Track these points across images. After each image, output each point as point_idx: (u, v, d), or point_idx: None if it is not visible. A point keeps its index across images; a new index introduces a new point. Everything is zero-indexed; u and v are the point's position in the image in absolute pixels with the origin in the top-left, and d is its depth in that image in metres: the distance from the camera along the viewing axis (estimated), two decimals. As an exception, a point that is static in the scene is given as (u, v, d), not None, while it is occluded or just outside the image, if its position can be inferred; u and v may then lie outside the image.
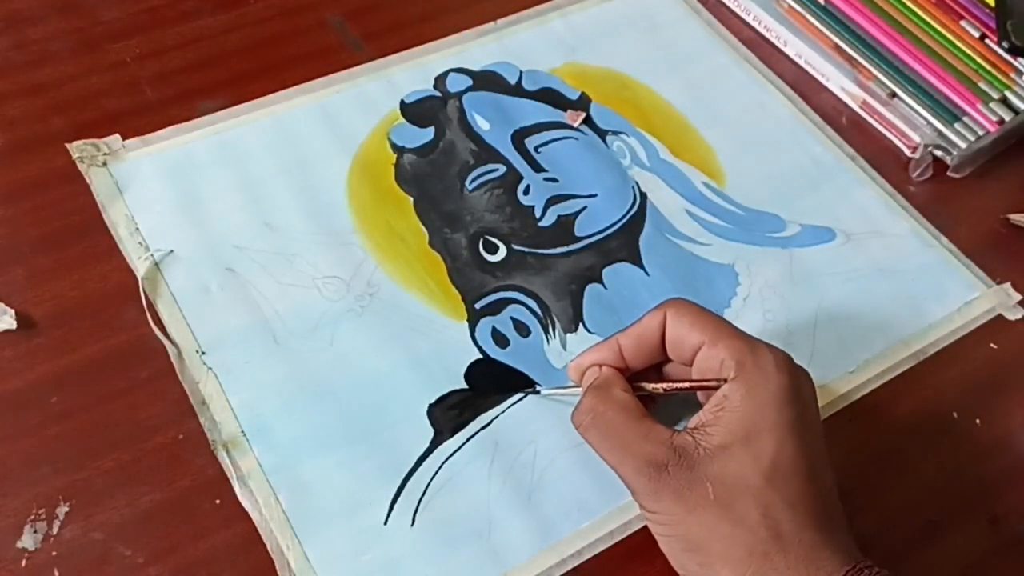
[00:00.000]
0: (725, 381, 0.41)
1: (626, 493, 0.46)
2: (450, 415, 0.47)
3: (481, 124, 0.59)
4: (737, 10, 0.70)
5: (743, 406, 0.40)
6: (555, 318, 0.52)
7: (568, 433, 0.47)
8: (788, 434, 0.40)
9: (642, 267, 0.55)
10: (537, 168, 0.57)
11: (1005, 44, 0.66)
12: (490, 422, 0.47)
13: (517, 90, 0.61)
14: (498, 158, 0.57)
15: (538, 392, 0.48)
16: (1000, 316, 0.56)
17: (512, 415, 0.48)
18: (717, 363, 0.42)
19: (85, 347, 0.47)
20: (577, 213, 0.56)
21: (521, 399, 0.48)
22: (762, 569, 0.38)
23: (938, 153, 0.62)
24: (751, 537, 0.39)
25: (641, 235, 0.56)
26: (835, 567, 0.38)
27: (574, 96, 0.62)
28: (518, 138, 0.58)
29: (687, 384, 0.43)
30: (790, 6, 0.68)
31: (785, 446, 0.40)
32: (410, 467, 0.45)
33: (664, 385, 0.44)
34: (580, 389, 0.45)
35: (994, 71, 0.65)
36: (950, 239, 0.59)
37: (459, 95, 0.60)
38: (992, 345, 0.55)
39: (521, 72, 0.62)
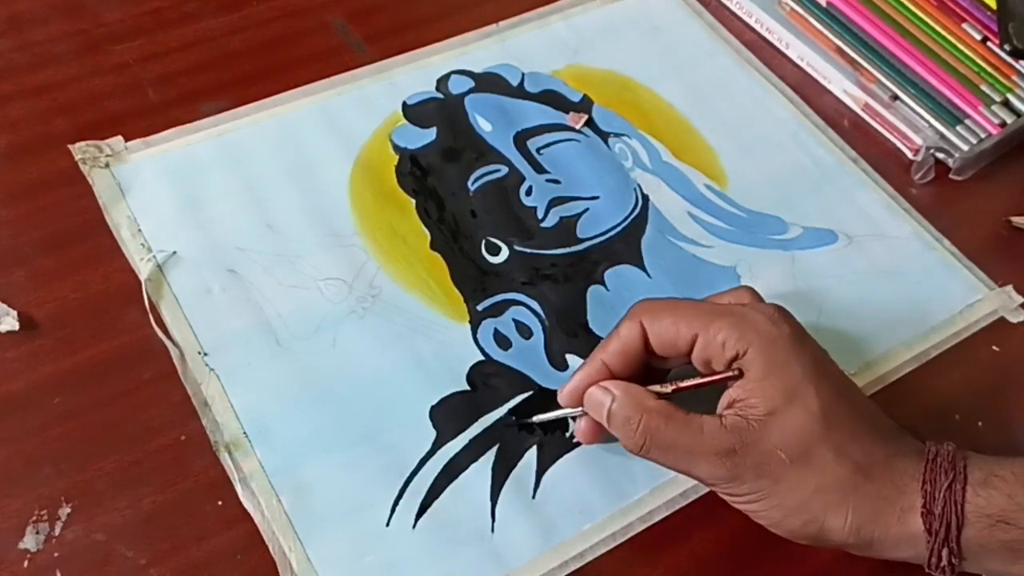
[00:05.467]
0: (738, 373, 0.42)
1: (628, 495, 0.46)
2: (452, 416, 0.47)
3: (483, 126, 0.59)
4: (739, 12, 0.70)
5: (768, 370, 0.41)
6: (557, 320, 0.52)
7: (569, 434, 0.47)
8: (817, 375, 0.42)
9: (644, 269, 0.55)
10: (539, 170, 0.57)
11: (1007, 47, 0.66)
12: (492, 423, 0.47)
13: (519, 92, 0.61)
14: (500, 159, 0.57)
15: (532, 423, 0.47)
16: (1002, 318, 0.56)
17: (514, 416, 0.48)
18: (718, 346, 0.42)
19: (87, 348, 0.47)
20: (579, 215, 0.56)
21: (524, 400, 0.48)
22: (858, 502, 0.40)
23: (940, 156, 0.62)
24: (837, 479, 0.41)
25: (643, 237, 0.56)
26: (913, 467, 0.41)
27: (576, 98, 0.62)
28: (520, 140, 0.58)
29: (697, 381, 0.43)
30: (792, 8, 0.68)
31: (821, 386, 0.41)
32: (412, 469, 0.45)
33: (672, 386, 0.44)
34: (575, 411, 0.45)
35: (996, 74, 0.65)
36: (952, 241, 0.59)
37: (461, 97, 0.60)
38: (994, 347, 0.55)
39: (523, 74, 0.62)
